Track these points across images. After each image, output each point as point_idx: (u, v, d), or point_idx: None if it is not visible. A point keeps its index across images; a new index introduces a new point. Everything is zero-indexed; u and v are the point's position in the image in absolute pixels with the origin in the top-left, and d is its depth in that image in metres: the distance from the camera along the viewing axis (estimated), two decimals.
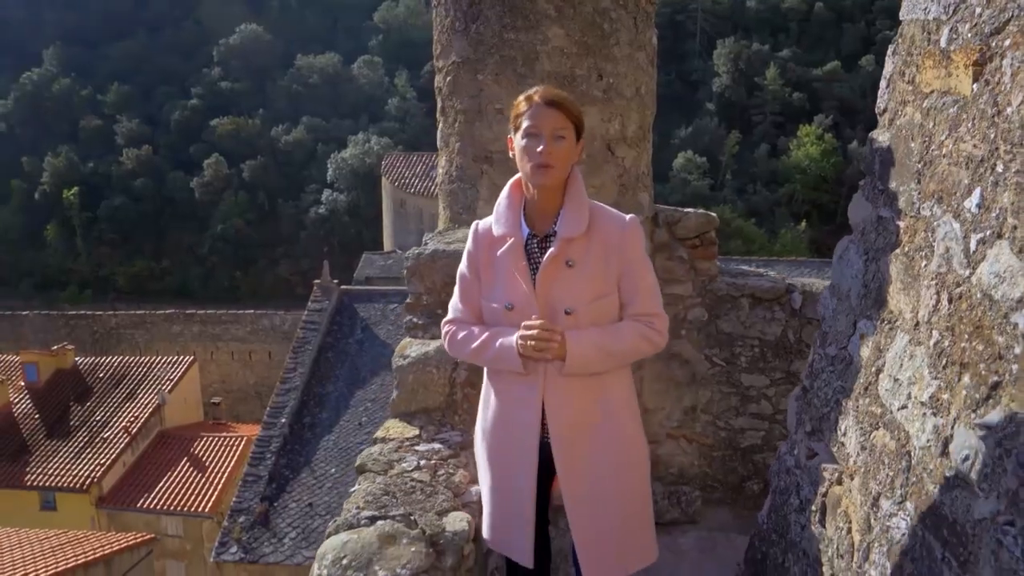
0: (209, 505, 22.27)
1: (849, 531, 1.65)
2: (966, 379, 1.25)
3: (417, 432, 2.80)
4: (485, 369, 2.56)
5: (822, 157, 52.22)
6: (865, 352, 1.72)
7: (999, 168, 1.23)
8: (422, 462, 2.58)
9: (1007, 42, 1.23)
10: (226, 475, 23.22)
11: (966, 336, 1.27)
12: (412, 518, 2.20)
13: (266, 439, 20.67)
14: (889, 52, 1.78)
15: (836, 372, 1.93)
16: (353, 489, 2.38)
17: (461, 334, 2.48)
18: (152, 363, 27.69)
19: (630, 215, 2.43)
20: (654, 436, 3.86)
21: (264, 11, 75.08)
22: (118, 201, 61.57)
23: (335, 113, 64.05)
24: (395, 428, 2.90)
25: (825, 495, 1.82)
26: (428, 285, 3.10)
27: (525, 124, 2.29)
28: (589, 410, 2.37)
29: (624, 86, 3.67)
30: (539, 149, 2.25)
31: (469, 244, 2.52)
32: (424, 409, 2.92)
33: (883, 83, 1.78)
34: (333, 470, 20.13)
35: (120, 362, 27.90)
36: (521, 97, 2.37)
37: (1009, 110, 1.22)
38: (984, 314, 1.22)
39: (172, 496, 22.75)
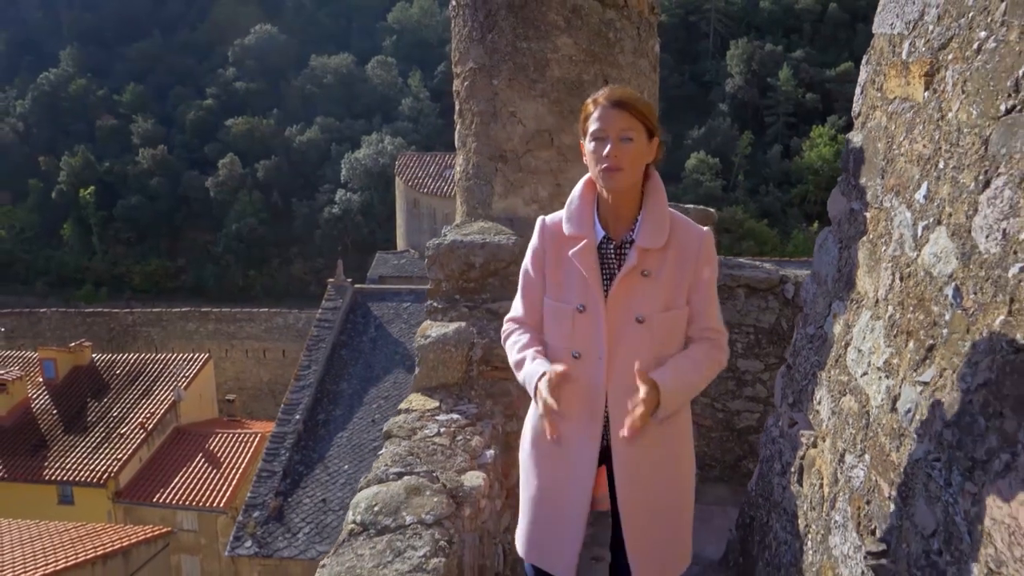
0: (223, 500, 22.48)
1: (820, 486, 1.85)
2: (911, 345, 1.45)
3: (437, 404, 3.01)
4: None
5: (835, 158, 52.12)
6: (837, 329, 1.92)
7: (940, 164, 1.42)
8: (442, 429, 2.77)
9: (950, 56, 1.42)
10: (240, 471, 23.44)
11: (911, 308, 1.47)
12: (434, 474, 2.41)
13: (280, 435, 20.81)
14: (863, 62, 1.97)
15: (814, 349, 2.13)
16: (381, 452, 2.58)
17: (511, 336, 2.47)
18: (168, 360, 27.95)
19: (706, 227, 2.35)
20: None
21: (279, 12, 75.55)
22: (134, 200, 62.08)
23: (349, 113, 64.38)
24: (417, 401, 3.11)
25: (803, 458, 2.01)
26: (447, 272, 3.30)
27: (592, 127, 2.25)
28: (654, 434, 2.28)
29: None
30: (605, 152, 2.20)
31: (535, 240, 2.42)
32: (443, 384, 3.11)
33: (858, 90, 1.98)
34: (346, 466, 20.21)
35: (136, 359, 28.17)
36: (588, 100, 2.33)
37: (950, 115, 1.41)
38: (925, 289, 1.41)
39: (187, 491, 22.98)
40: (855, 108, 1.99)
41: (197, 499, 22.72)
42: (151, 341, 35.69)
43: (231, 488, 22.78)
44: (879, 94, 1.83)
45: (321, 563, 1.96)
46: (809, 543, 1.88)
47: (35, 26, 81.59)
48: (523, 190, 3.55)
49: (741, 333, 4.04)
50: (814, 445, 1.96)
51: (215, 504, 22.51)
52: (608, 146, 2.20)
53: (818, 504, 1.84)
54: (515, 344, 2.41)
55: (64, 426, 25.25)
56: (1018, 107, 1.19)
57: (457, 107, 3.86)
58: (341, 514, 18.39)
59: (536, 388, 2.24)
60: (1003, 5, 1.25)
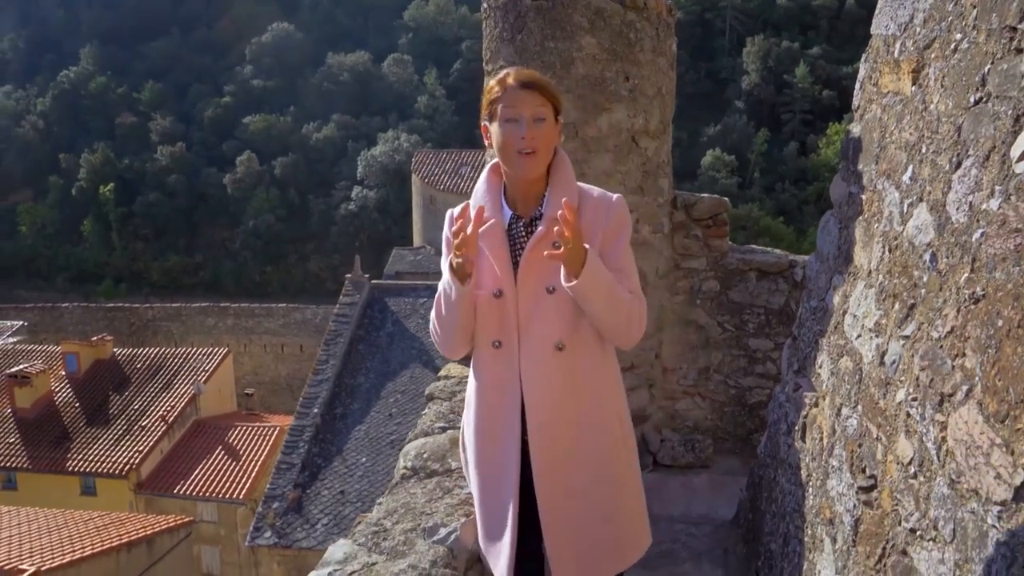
0: (243, 492, 22.79)
1: (820, 439, 2.07)
2: (896, 306, 1.66)
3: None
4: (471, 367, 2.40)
5: None
6: (836, 300, 2.14)
7: (923, 149, 1.63)
8: None
9: (933, 55, 1.64)
10: (259, 463, 23.74)
11: (897, 274, 1.68)
12: None
13: (299, 428, 21.03)
14: (863, 60, 2.19)
15: (816, 320, 2.35)
16: (424, 411, 2.81)
17: (432, 316, 2.33)
18: (188, 354, 28.30)
19: (616, 195, 2.30)
20: (672, 393, 4.37)
21: (296, 10, 75.96)
22: (152, 197, 62.63)
23: (365, 111, 64.71)
24: (455, 369, 3.39)
25: (805, 416, 2.23)
26: None
27: (501, 109, 2.16)
28: (569, 392, 2.22)
29: (647, 87, 4.18)
30: (521, 135, 2.12)
31: (445, 231, 2.30)
32: None
33: (857, 85, 2.19)
34: (364, 459, 20.39)
35: (157, 353, 28.55)
36: (493, 81, 2.24)
37: (932, 106, 1.62)
38: (908, 257, 1.63)
39: (207, 483, 23.31)
40: (855, 102, 2.21)
41: (217, 491, 23.05)
42: (171, 336, 36.14)
43: (250, 480, 23.09)
44: (875, 89, 2.05)
45: (378, 501, 2.19)
46: (810, 489, 2.10)
47: (55, 25, 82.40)
48: None
49: (752, 314, 4.30)
50: (815, 404, 2.18)
51: (234, 496, 22.82)
52: (523, 128, 2.13)
53: (818, 455, 2.06)
54: (433, 310, 2.31)
55: (87, 418, 25.63)
56: (984, 99, 1.40)
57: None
58: (359, 506, 18.63)
59: (451, 264, 2.16)
60: (975, 11, 1.46)
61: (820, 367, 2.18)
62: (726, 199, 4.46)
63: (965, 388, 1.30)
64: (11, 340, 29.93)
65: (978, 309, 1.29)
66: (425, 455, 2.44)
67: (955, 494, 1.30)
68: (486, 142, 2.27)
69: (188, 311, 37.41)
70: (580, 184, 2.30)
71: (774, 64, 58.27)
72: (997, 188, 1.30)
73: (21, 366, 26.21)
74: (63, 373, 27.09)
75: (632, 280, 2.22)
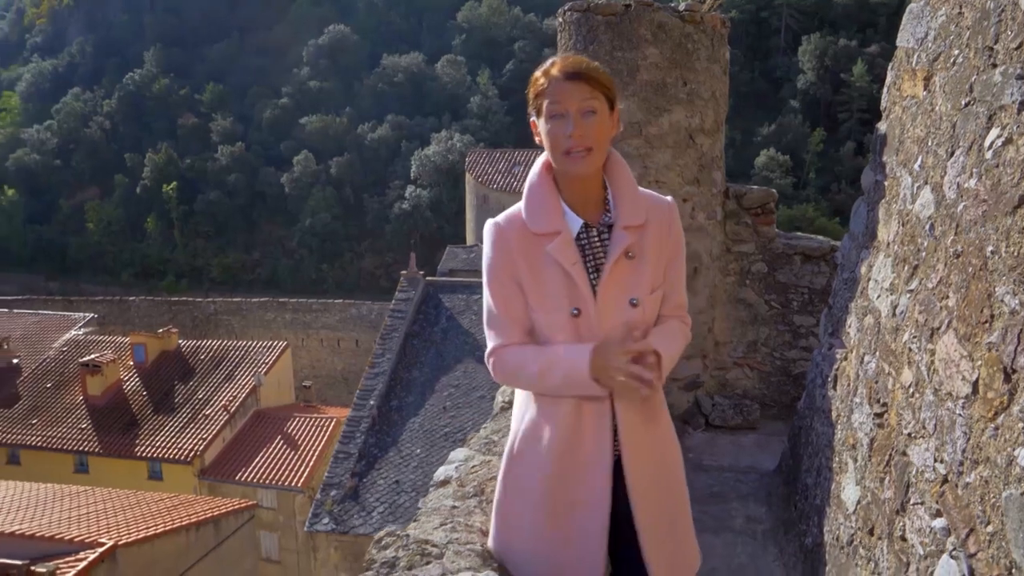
0: (301, 480, 23.37)
1: (848, 384, 2.47)
2: (905, 268, 2.06)
3: None
4: (525, 396, 2.19)
5: None
6: (863, 270, 2.53)
7: (929, 143, 2.03)
8: None
9: (939, 66, 2.04)
10: (317, 453, 24.30)
11: (907, 243, 2.08)
12: None
13: (356, 419, 21.49)
14: (889, 68, 2.58)
15: (847, 289, 2.74)
16: (495, 401, 3.23)
17: (512, 359, 2.08)
18: (248, 347, 29.05)
19: (669, 198, 2.19)
20: (723, 364, 4.83)
21: (351, 12, 77.16)
22: (213, 195, 64.30)
23: (419, 111, 65.51)
24: None
25: (837, 369, 2.63)
26: None
27: (547, 104, 1.98)
28: (654, 428, 2.15)
29: (703, 90, 4.69)
30: (568, 132, 1.95)
31: (494, 250, 2.08)
32: None
33: (884, 90, 2.59)
34: (419, 450, 20.75)
35: (219, 345, 29.38)
36: (538, 72, 2.04)
37: (937, 107, 2.02)
38: (915, 228, 2.03)
39: (267, 471, 23.94)
40: (882, 104, 2.62)
41: (276, 478, 23.62)
42: (231, 329, 37.21)
43: (308, 469, 23.63)
44: (898, 93, 2.45)
45: (483, 425, 2.62)
46: (839, 426, 2.50)
47: (120, 29, 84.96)
48: None
49: (797, 293, 4.74)
50: (845, 358, 2.58)
51: (293, 484, 23.40)
52: (570, 124, 1.95)
53: (845, 397, 2.46)
54: (521, 360, 2.07)
55: (153, 407, 26.51)
56: (970, 102, 1.79)
57: None
58: (414, 495, 19.07)
59: (620, 377, 1.96)
60: (968, 32, 1.85)
61: (849, 327, 2.59)
62: (774, 191, 4.89)
63: (947, 320, 1.71)
64: (82, 331, 31.17)
65: (958, 262, 1.70)
66: (494, 436, 2.85)
67: (937, 399, 1.72)
68: (536, 139, 2.09)
69: (248, 306, 38.49)
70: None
71: (831, 62, 57.34)
72: (974, 170, 1.70)
73: (93, 356, 27.26)
74: (131, 363, 28.04)
75: (681, 294, 2.18)
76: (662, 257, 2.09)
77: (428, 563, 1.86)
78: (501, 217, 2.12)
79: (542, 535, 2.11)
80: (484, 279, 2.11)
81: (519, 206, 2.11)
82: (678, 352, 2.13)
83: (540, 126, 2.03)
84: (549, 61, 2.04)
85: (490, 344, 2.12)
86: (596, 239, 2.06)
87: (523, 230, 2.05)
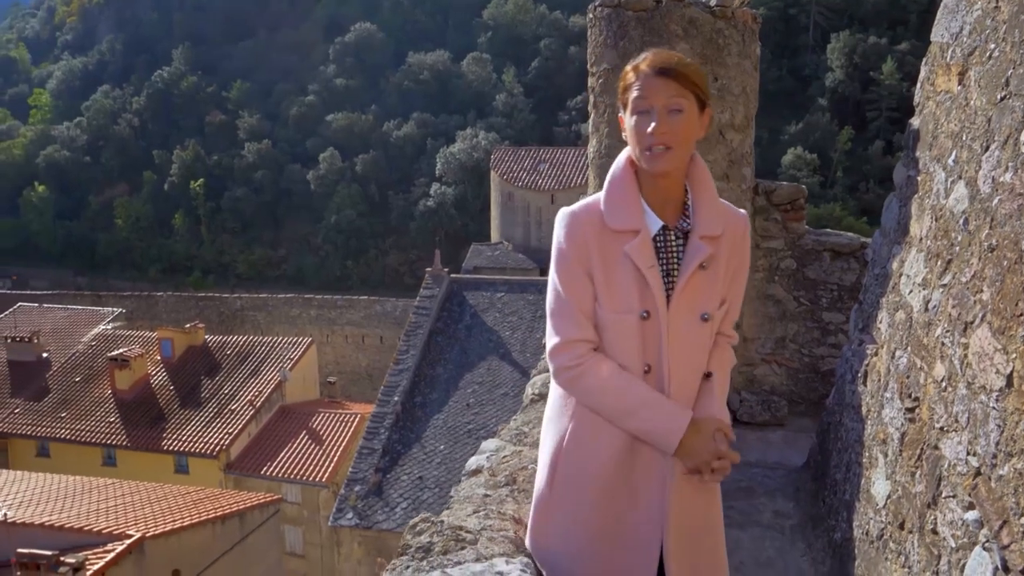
0: (326, 476, 23.52)
1: (878, 380, 2.47)
2: (938, 263, 2.07)
3: None
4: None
5: None
6: (895, 265, 2.54)
7: (964, 137, 2.03)
8: None
9: (974, 60, 2.04)
10: (341, 449, 24.43)
11: (940, 238, 2.09)
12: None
13: (380, 415, 21.57)
14: (923, 63, 2.57)
15: (878, 284, 2.74)
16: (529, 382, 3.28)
17: (596, 381, 2.01)
18: (274, 343, 29.24)
19: (743, 212, 2.17)
20: (751, 360, 4.82)
21: (377, 10, 77.54)
22: (239, 192, 64.97)
23: (444, 109, 65.75)
24: None
25: (867, 365, 2.63)
26: None
27: (633, 99, 1.95)
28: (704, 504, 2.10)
29: (733, 86, 4.67)
30: (650, 128, 1.90)
31: (567, 239, 2.01)
32: None
33: (918, 86, 2.59)
34: (442, 447, 20.80)
35: (245, 341, 29.61)
36: (628, 67, 2.01)
37: (972, 102, 2.02)
38: (948, 223, 2.03)
39: (292, 466, 24.10)
40: (916, 100, 2.61)
41: (301, 473, 23.76)
42: (257, 325, 37.55)
43: (332, 464, 23.76)
44: (932, 88, 2.44)
45: (513, 417, 2.66)
46: (869, 421, 2.51)
47: (149, 27, 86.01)
48: None
49: (826, 290, 4.73)
50: (875, 354, 2.58)
51: (317, 479, 23.55)
52: (653, 121, 1.91)
53: (876, 392, 2.46)
54: (609, 386, 2.00)
55: (180, 401, 26.78)
56: (1007, 96, 1.79)
57: (592, 100, 4.66)
58: (437, 491, 19.14)
59: (705, 471, 1.95)
60: (1004, 27, 1.85)
61: (880, 323, 2.59)
62: (803, 187, 4.89)
63: (981, 314, 1.72)
64: (111, 326, 31.59)
65: (993, 256, 1.71)
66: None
67: (970, 393, 1.73)
68: (622, 134, 2.05)
69: (274, 302, 38.82)
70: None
71: (860, 60, 56.64)
72: (1010, 164, 1.71)
73: (121, 350, 27.59)
74: (158, 358, 28.34)
75: (738, 310, 2.15)
76: (730, 271, 2.06)
77: (463, 548, 1.90)
78: (578, 207, 2.05)
79: (596, 535, 2.06)
80: (554, 267, 2.04)
81: (597, 197, 2.05)
82: (725, 390, 2.12)
83: (625, 120, 2.00)
84: (641, 55, 2.00)
85: (559, 336, 2.03)
86: (672, 243, 2.02)
87: (600, 224, 1.99)
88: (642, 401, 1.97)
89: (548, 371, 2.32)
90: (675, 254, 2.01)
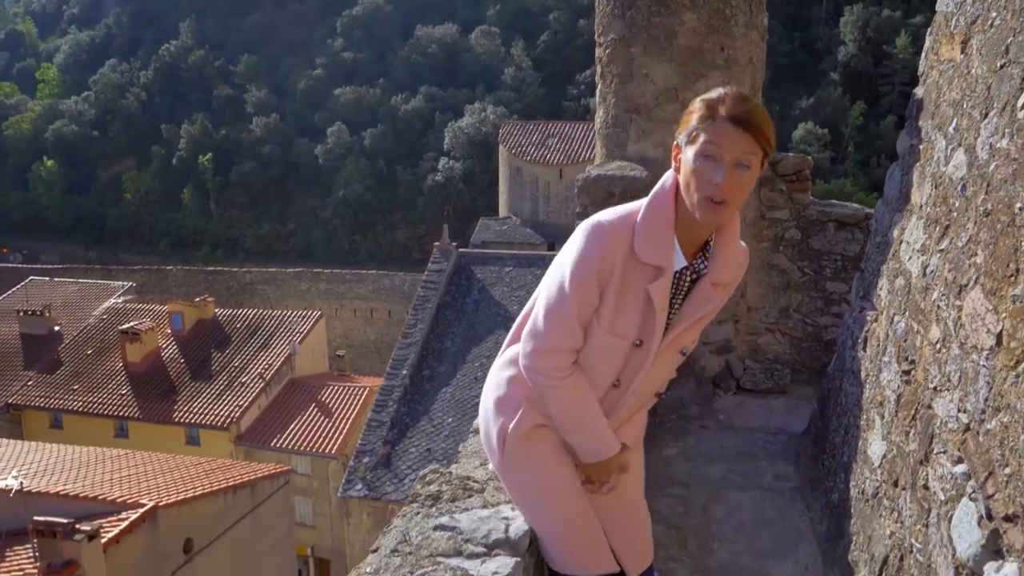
0: (335, 447, 23.76)
1: (877, 344, 2.53)
2: (936, 229, 2.12)
3: None
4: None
5: None
6: (895, 233, 2.58)
7: (964, 105, 2.07)
8: None
9: (976, 29, 2.07)
10: (350, 421, 24.67)
11: (939, 204, 2.14)
12: None
13: (388, 388, 21.76)
14: (928, 33, 2.60)
15: (879, 252, 2.79)
16: None
17: (567, 397, 2.12)
18: (283, 317, 29.42)
19: (745, 248, 2.15)
20: (755, 329, 4.89)
21: None
22: (248, 166, 64.96)
23: (452, 82, 65.42)
24: None
25: (867, 331, 2.68)
26: (592, 199, 4.12)
27: (703, 140, 1.86)
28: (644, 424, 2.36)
29: (740, 56, 4.70)
30: (716, 180, 1.83)
31: (588, 253, 2.00)
32: None
33: (922, 55, 2.62)
34: (450, 419, 20.97)
35: (255, 314, 29.77)
36: (700, 101, 1.92)
37: (973, 70, 2.06)
38: (947, 190, 2.08)
39: (301, 437, 24.35)
40: (920, 69, 2.64)
41: (310, 445, 24.00)
42: (266, 298, 37.70)
43: (342, 436, 23.99)
44: (936, 58, 2.47)
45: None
46: (867, 385, 2.57)
47: (156, 0, 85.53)
48: (652, 136, 4.40)
49: (830, 260, 4.78)
50: (875, 320, 2.64)
51: (327, 450, 23.80)
52: (720, 172, 1.84)
53: (874, 357, 2.52)
54: (576, 398, 2.12)
55: (191, 374, 27.00)
56: (1006, 64, 1.83)
57: (599, 70, 4.70)
58: (445, 463, 19.24)
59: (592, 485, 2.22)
60: None
61: (880, 289, 2.64)
62: (809, 158, 4.90)
63: (975, 277, 1.78)
64: (121, 299, 31.79)
65: (988, 220, 1.76)
66: None
67: (962, 352, 1.79)
68: (674, 164, 1.97)
69: (283, 275, 38.96)
70: None
71: (873, 34, 55.89)
72: (1007, 130, 1.75)
73: (132, 323, 27.81)
74: (169, 331, 28.55)
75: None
76: (721, 301, 2.11)
77: (470, 496, 1.99)
78: (609, 221, 2.00)
79: (569, 527, 2.23)
80: (570, 270, 2.00)
81: (630, 212, 2.02)
82: None
83: (686, 156, 1.90)
84: (718, 93, 1.92)
85: (549, 341, 2.06)
86: (684, 281, 2.03)
87: (629, 249, 1.97)
88: (591, 426, 2.14)
89: None
90: (682, 291, 2.04)
